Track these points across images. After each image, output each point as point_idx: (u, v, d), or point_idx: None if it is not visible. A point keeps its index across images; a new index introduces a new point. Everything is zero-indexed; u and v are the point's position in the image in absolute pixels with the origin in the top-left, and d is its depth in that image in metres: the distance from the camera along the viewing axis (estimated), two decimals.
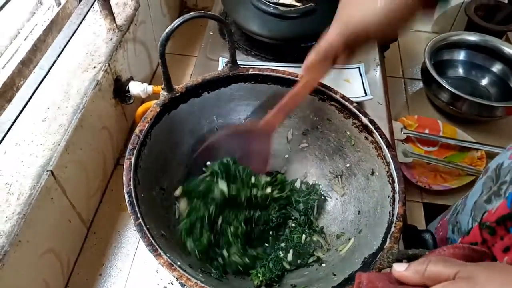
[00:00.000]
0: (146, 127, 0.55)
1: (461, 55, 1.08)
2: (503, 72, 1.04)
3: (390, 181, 0.52)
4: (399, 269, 0.33)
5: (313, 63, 0.51)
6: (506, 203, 0.38)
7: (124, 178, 0.50)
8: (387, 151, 0.53)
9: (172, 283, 0.61)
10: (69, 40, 0.67)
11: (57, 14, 0.74)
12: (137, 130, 0.55)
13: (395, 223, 0.47)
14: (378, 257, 0.46)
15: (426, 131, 0.94)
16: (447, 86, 0.92)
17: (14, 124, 0.55)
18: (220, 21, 0.58)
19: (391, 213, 0.49)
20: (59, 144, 0.60)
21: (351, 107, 0.57)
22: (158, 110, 0.57)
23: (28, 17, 0.75)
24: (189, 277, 0.42)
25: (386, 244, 0.46)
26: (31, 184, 0.55)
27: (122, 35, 0.78)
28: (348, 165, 0.61)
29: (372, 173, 0.56)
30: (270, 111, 0.56)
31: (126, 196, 0.48)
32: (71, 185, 0.62)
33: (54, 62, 0.64)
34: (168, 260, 0.44)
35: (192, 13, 0.54)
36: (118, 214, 0.72)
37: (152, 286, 0.62)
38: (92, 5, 0.71)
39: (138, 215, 0.46)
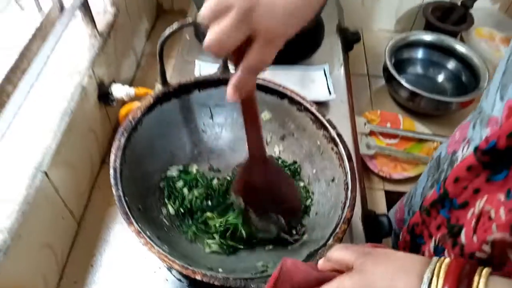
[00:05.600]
0: (139, 114, 0.61)
1: (419, 53, 1.17)
2: (456, 69, 1.14)
3: (345, 188, 0.58)
4: (320, 261, 0.40)
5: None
6: (436, 189, 0.46)
7: (112, 156, 0.56)
8: (347, 162, 0.60)
9: (159, 268, 0.67)
10: (54, 49, 0.72)
11: (41, 22, 0.78)
12: (130, 116, 0.61)
13: (341, 225, 0.54)
14: (319, 251, 0.53)
15: (388, 125, 1.03)
16: (405, 84, 1.01)
17: (9, 128, 0.60)
18: None
19: (340, 217, 0.55)
20: (50, 147, 0.65)
21: (322, 119, 0.64)
22: (151, 101, 0.63)
23: (11, 24, 0.79)
24: (153, 244, 0.49)
25: (329, 242, 0.53)
26: (27, 184, 0.60)
27: (104, 41, 0.82)
28: (314, 171, 0.68)
29: (333, 180, 0.63)
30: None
31: (111, 171, 0.54)
32: (62, 184, 0.67)
33: (42, 69, 0.68)
34: (138, 228, 0.50)
35: (190, 20, 0.60)
36: (106, 210, 0.77)
37: (140, 272, 0.68)
38: (74, 14, 0.75)
39: (119, 187, 0.53)
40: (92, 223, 0.76)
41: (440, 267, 0.32)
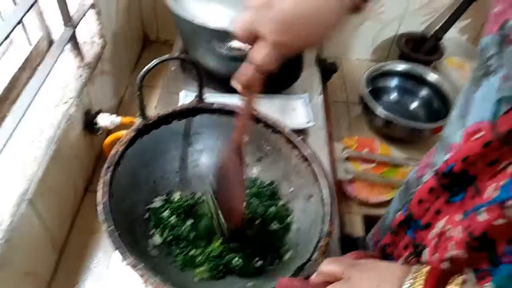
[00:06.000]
0: (121, 149, 0.64)
1: (394, 82, 1.23)
2: (428, 96, 1.20)
3: (322, 204, 0.61)
4: (312, 276, 0.43)
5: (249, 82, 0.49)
6: (403, 211, 0.49)
7: (100, 192, 0.58)
8: (321, 179, 0.63)
9: None
10: (44, 81, 0.74)
11: (30, 53, 0.81)
12: (113, 151, 0.63)
13: (324, 238, 0.57)
14: (306, 265, 0.55)
15: (365, 150, 1.07)
16: (380, 113, 1.06)
17: None
18: (194, 64, 0.68)
19: (321, 230, 0.58)
20: (36, 175, 0.67)
21: (296, 140, 0.67)
22: (132, 134, 0.66)
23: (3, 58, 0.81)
24: (149, 276, 0.51)
25: (314, 256, 0.55)
26: (12, 211, 0.61)
27: (91, 72, 0.85)
28: (292, 189, 0.70)
29: (310, 197, 0.65)
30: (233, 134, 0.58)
31: (101, 207, 0.56)
32: (46, 211, 0.69)
33: (32, 101, 0.71)
34: (133, 261, 0.52)
35: (168, 56, 0.64)
36: (89, 237, 0.78)
37: None
38: (63, 48, 0.78)
39: (111, 222, 0.54)
40: (74, 251, 0.77)
41: (420, 274, 0.35)
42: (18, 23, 0.63)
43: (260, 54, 0.44)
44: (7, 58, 0.81)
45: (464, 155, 0.39)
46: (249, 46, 0.46)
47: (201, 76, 0.70)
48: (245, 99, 0.52)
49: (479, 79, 0.41)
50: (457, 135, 0.46)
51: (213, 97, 0.93)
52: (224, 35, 0.82)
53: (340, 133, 1.12)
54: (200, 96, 0.72)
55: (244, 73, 0.47)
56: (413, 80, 1.21)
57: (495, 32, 0.38)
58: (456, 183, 0.41)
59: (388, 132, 1.10)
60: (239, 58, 0.86)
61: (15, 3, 0.76)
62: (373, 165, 1.05)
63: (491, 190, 0.37)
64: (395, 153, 1.08)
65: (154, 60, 0.62)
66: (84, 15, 0.86)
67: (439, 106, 1.16)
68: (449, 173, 0.41)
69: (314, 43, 0.45)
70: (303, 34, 0.42)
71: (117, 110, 1.03)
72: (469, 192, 0.40)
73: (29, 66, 0.81)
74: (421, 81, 1.21)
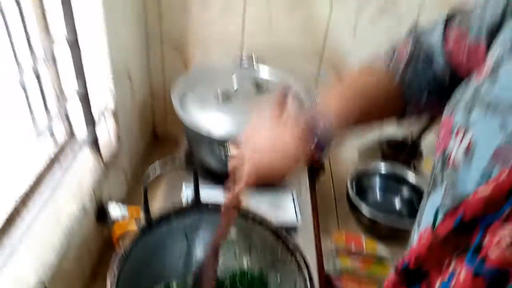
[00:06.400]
0: (128, 246, 0.72)
1: (378, 182, 1.35)
2: (410, 196, 1.31)
3: None
4: None
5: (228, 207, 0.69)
6: None
7: (108, 284, 0.65)
8: (305, 271, 0.71)
9: None
10: (64, 175, 0.85)
11: (55, 154, 0.93)
12: (121, 248, 0.71)
13: None
14: None
15: (352, 245, 1.15)
16: (365, 214, 1.16)
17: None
18: (195, 174, 0.80)
19: None
20: (52, 263, 0.74)
21: (281, 234, 0.77)
22: (138, 233, 0.75)
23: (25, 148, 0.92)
24: None
25: None
26: None
27: (107, 168, 0.97)
28: (279, 278, 0.78)
29: (295, 286, 0.73)
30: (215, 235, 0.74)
31: None
32: None
33: (52, 194, 0.80)
34: None
35: (170, 166, 0.75)
36: None
37: None
38: (84, 146, 0.90)
39: None
40: None
41: None
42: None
43: (237, 187, 0.65)
44: (33, 151, 0.92)
45: (416, 254, 0.48)
46: None
47: (197, 181, 0.82)
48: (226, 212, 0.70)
49: (430, 189, 0.52)
50: (414, 237, 0.55)
51: (212, 190, 1.04)
52: (224, 143, 0.96)
53: (328, 228, 1.21)
54: (196, 197, 0.83)
55: (227, 198, 0.67)
56: (395, 180, 1.33)
57: (440, 153, 0.49)
58: (412, 278, 0.49)
59: (374, 230, 1.19)
60: None
61: (48, 112, 0.89)
62: (361, 260, 1.12)
63: (437, 286, 0.45)
64: (381, 248, 1.16)
65: (159, 169, 0.74)
66: (104, 117, 1.00)
67: (419, 205, 1.26)
68: (405, 269, 0.50)
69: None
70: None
71: (125, 197, 1.12)
72: (423, 286, 0.48)
73: (51, 160, 0.93)
74: (403, 182, 1.32)
